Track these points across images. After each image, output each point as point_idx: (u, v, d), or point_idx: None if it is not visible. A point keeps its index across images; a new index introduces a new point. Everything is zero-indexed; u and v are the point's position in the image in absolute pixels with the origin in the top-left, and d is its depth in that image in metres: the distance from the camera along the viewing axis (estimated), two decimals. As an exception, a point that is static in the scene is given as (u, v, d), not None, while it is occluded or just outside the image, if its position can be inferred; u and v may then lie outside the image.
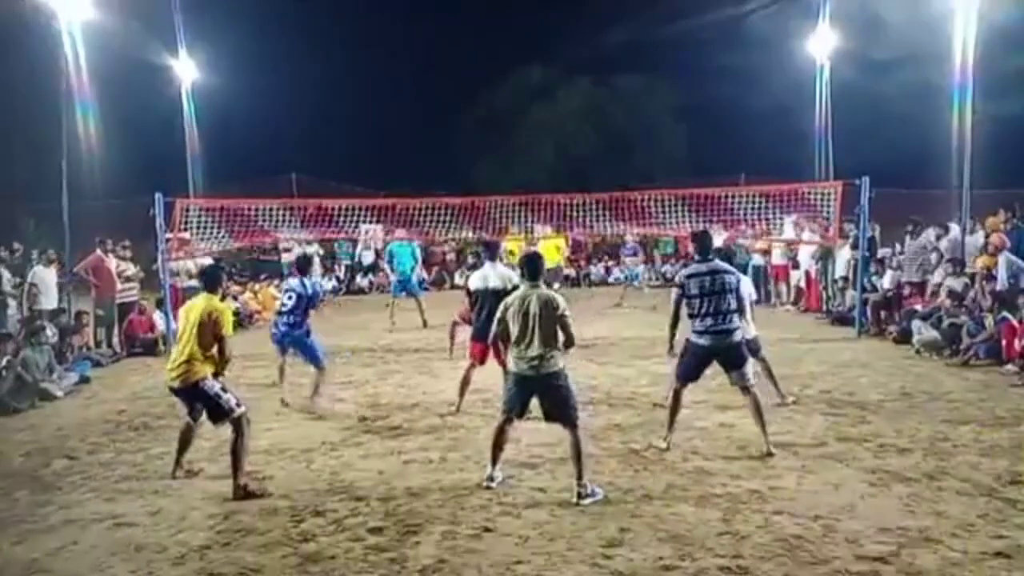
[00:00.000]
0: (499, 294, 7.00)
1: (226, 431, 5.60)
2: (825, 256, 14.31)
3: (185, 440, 5.88)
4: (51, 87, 14.29)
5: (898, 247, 13.92)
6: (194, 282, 11.62)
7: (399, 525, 4.79)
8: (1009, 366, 8.71)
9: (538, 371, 5.19)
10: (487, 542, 4.52)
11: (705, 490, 5.25)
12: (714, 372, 6.29)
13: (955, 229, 12.48)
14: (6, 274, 11.47)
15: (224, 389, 5.60)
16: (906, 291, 11.99)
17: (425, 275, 20.91)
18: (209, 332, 5.57)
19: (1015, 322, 8.90)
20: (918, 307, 11.10)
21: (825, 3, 20.15)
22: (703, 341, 6.03)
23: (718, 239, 13.97)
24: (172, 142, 22.21)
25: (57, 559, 4.51)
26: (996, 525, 4.58)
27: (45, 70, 14.93)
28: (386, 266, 15.06)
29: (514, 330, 5.26)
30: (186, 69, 21.77)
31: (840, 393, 8.01)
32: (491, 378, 7.19)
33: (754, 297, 8.47)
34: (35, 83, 17.74)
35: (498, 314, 5.42)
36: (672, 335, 6.23)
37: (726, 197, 14.03)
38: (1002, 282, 10.00)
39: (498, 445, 5.44)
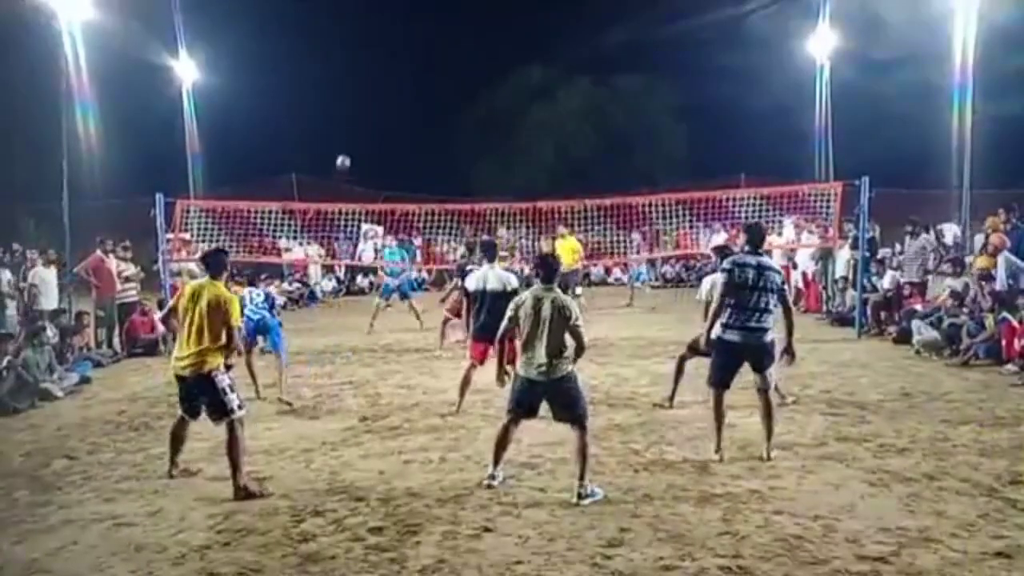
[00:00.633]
0: (497, 296, 7.02)
1: (222, 431, 5.56)
2: (825, 256, 14.31)
3: (178, 437, 5.79)
4: (51, 87, 14.33)
5: (898, 247, 13.94)
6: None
7: (399, 525, 4.78)
8: (1009, 366, 8.72)
9: (548, 376, 5.18)
10: (487, 542, 4.52)
11: (705, 490, 5.24)
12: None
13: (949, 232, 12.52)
14: (6, 274, 11.47)
15: (232, 387, 5.56)
16: (906, 291, 12.00)
17: (425, 275, 20.94)
18: (219, 320, 5.49)
19: (1015, 322, 8.91)
20: (918, 307, 11.11)
21: (825, 3, 20.20)
22: (733, 337, 5.77)
23: (718, 240, 14.02)
24: (172, 142, 22.26)
25: (57, 559, 4.51)
26: (996, 525, 4.58)
27: (45, 70, 14.97)
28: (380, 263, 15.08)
29: (524, 331, 5.23)
30: (186, 69, 21.82)
31: (840, 393, 8.01)
32: (492, 378, 7.17)
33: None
34: (35, 83, 17.75)
35: (509, 311, 5.35)
36: (712, 326, 5.90)
37: (726, 200, 14.07)
38: (1002, 282, 9.99)
39: (501, 445, 5.42)
